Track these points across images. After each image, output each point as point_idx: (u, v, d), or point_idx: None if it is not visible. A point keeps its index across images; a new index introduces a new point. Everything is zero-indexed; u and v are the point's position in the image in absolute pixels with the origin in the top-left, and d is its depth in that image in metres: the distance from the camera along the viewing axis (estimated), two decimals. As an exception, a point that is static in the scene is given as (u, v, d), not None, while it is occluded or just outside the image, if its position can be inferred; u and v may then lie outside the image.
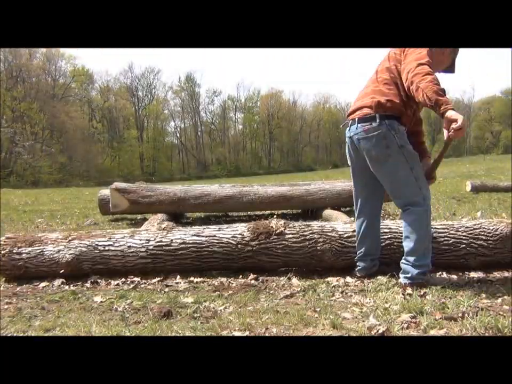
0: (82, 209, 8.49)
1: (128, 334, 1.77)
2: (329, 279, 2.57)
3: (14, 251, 2.70)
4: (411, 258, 2.27)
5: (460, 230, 2.66)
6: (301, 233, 2.70)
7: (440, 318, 1.82)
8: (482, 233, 2.61)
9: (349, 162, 2.52)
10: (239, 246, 2.69)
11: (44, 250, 2.74)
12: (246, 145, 57.46)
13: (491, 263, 2.63)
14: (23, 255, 2.70)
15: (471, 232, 2.63)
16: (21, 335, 1.80)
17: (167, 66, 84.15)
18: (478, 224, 2.68)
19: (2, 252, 2.68)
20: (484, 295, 2.14)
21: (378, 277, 2.54)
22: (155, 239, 2.76)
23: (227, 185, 5.82)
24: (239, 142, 56.97)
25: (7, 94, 35.30)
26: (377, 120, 2.19)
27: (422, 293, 2.17)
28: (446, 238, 2.63)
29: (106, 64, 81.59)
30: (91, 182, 33.19)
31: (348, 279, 2.56)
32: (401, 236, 2.39)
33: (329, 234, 2.69)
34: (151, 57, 74.68)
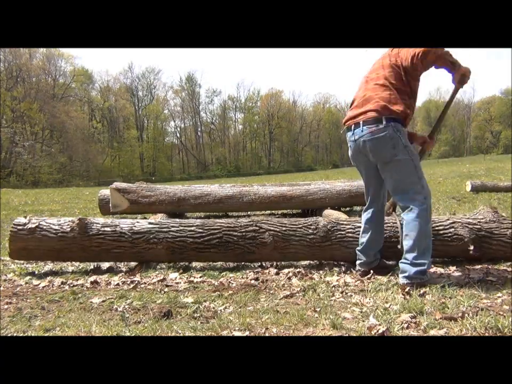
0: (82, 209, 8.48)
1: (128, 334, 1.77)
2: (329, 279, 2.57)
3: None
4: (410, 256, 2.29)
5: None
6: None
7: (440, 318, 1.82)
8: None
9: (354, 164, 2.60)
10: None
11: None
12: (246, 145, 57.48)
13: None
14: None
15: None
16: (21, 335, 1.80)
17: (167, 66, 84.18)
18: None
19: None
20: (483, 295, 2.14)
21: (378, 277, 2.54)
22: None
23: (227, 185, 5.82)
24: (239, 142, 56.99)
25: (7, 94, 35.29)
26: (384, 122, 2.26)
27: (422, 293, 2.17)
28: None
29: (106, 64, 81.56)
30: (91, 182, 33.21)
31: (348, 279, 2.56)
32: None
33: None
34: (151, 57, 74.70)
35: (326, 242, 2.82)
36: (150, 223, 2.96)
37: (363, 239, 2.63)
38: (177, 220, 3.12)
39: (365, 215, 2.63)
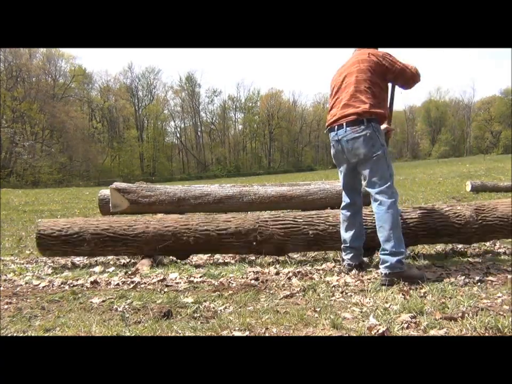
0: (82, 209, 8.49)
1: (128, 334, 1.77)
2: (329, 279, 2.57)
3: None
4: (388, 246, 2.43)
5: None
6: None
7: (440, 318, 1.82)
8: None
9: (335, 163, 2.80)
10: None
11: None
12: (246, 145, 57.46)
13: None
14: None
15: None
16: (21, 335, 1.80)
17: (167, 66, 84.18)
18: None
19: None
20: (483, 295, 2.14)
21: (378, 277, 2.54)
22: None
23: (227, 185, 5.82)
24: (239, 142, 56.96)
25: (7, 94, 35.28)
26: (365, 124, 2.49)
27: (422, 293, 2.17)
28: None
29: (106, 64, 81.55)
30: (91, 182, 33.20)
31: (348, 279, 2.56)
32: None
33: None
34: (151, 57, 74.71)
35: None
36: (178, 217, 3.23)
37: (347, 235, 2.77)
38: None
39: (345, 212, 2.78)
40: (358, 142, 2.50)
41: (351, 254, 2.75)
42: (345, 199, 2.79)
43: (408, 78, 2.59)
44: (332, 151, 2.73)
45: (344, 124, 2.54)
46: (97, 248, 3.09)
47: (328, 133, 2.71)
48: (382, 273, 2.43)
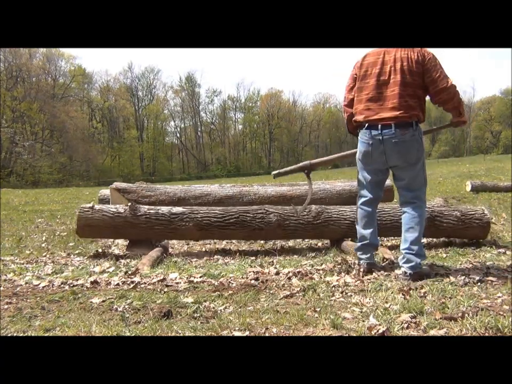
0: (82, 209, 8.47)
1: (128, 334, 1.77)
2: (329, 279, 2.57)
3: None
4: (415, 247, 2.49)
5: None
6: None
7: (440, 318, 1.82)
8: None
9: (365, 160, 2.66)
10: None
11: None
12: (246, 145, 57.41)
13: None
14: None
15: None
16: (21, 335, 1.80)
17: (166, 66, 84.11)
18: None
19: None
20: (483, 295, 2.14)
21: (378, 277, 2.54)
22: None
23: (227, 185, 5.82)
24: (239, 142, 56.90)
25: (7, 94, 35.26)
26: (414, 127, 2.50)
27: (422, 293, 2.17)
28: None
29: (106, 64, 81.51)
30: (91, 182, 33.18)
31: (348, 279, 2.56)
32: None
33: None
34: (150, 57, 74.66)
35: (317, 221, 3.57)
36: (183, 208, 3.73)
37: (367, 231, 2.71)
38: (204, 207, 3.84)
39: (367, 208, 2.73)
40: (406, 145, 2.49)
41: (370, 253, 2.70)
42: (369, 195, 2.73)
43: (444, 92, 2.47)
44: (366, 148, 2.59)
45: (393, 124, 2.48)
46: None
47: (365, 129, 2.58)
48: (404, 272, 2.46)
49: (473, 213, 3.54)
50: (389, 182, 6.27)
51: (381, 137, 2.51)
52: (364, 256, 2.70)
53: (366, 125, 2.56)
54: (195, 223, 3.52)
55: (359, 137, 2.65)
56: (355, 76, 2.64)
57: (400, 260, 2.54)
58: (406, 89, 2.48)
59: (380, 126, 2.51)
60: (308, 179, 3.03)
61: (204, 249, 3.89)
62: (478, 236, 3.54)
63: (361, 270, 2.66)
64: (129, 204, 3.65)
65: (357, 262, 2.77)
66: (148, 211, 3.62)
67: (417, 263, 2.46)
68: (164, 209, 3.68)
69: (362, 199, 2.76)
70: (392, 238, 4.04)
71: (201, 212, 3.62)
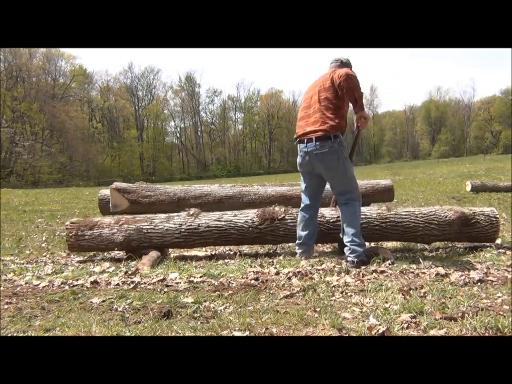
0: (82, 209, 8.49)
1: (128, 334, 1.77)
2: (329, 279, 2.57)
3: (79, 233, 3.46)
4: (356, 239, 2.91)
5: (418, 215, 3.37)
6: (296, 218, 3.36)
7: (440, 318, 1.82)
8: (436, 218, 3.34)
9: (300, 169, 3.17)
10: (250, 229, 3.42)
11: (102, 233, 3.46)
12: (246, 145, 57.40)
13: (440, 240, 3.44)
14: (86, 237, 3.46)
15: (427, 218, 3.34)
16: (21, 335, 1.80)
17: (166, 66, 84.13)
18: (433, 211, 3.40)
19: (70, 235, 3.46)
20: (483, 295, 2.14)
21: (378, 277, 2.54)
22: (185, 223, 3.46)
23: (227, 185, 5.82)
24: (239, 142, 56.89)
25: (7, 94, 35.24)
26: (332, 139, 2.89)
27: (422, 293, 2.17)
28: (407, 222, 3.34)
29: (106, 64, 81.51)
30: (91, 182, 33.17)
31: (348, 279, 2.56)
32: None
33: (318, 219, 3.33)
34: (150, 57, 74.64)
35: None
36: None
37: (303, 233, 3.16)
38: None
39: (304, 213, 3.18)
40: (326, 156, 2.90)
41: (303, 250, 3.17)
42: (306, 202, 3.20)
43: (348, 87, 2.81)
44: (299, 159, 3.10)
45: (314, 138, 2.91)
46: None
47: (297, 144, 3.08)
48: (350, 261, 2.87)
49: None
50: (389, 181, 6.28)
51: (306, 150, 2.98)
52: (299, 251, 3.18)
53: (298, 140, 3.07)
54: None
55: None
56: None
57: (346, 251, 2.94)
58: (323, 105, 2.91)
59: (305, 140, 2.98)
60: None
61: (203, 249, 3.89)
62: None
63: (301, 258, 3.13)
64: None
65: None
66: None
67: (361, 252, 2.88)
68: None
69: (302, 205, 3.22)
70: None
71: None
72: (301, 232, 3.18)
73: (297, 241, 3.22)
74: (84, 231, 3.46)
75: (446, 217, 3.35)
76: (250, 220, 3.44)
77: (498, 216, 3.44)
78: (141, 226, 3.46)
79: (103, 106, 47.76)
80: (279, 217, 3.46)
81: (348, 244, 2.94)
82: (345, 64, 3.09)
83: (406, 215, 3.40)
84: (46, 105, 37.98)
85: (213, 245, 3.54)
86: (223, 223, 3.45)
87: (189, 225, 3.44)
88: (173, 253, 3.75)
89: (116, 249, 3.48)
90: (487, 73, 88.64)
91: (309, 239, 3.17)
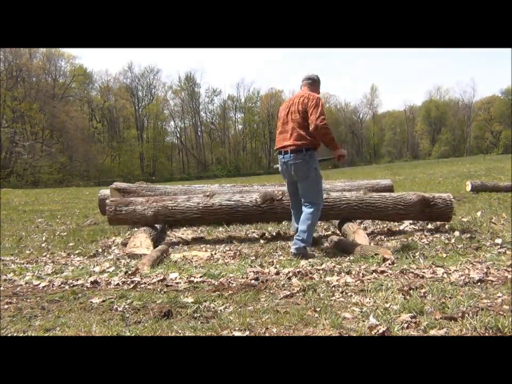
0: (82, 209, 8.49)
1: (128, 334, 1.77)
2: (329, 279, 2.57)
3: (117, 209, 4.23)
4: (303, 235, 3.33)
5: (388, 198, 4.25)
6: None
7: (440, 318, 1.82)
8: (402, 201, 4.19)
9: (282, 175, 3.62)
10: (254, 207, 4.25)
11: (135, 209, 4.24)
12: (246, 145, 57.39)
13: (407, 218, 4.41)
14: (123, 212, 4.23)
15: (396, 200, 4.22)
16: (21, 335, 1.80)
17: (166, 66, 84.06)
18: (400, 195, 4.29)
19: (110, 210, 4.21)
20: (483, 295, 2.14)
21: (378, 277, 2.55)
22: (202, 202, 4.29)
23: (227, 185, 5.83)
24: (239, 142, 56.88)
25: (7, 94, 35.23)
26: (304, 152, 3.38)
27: (422, 293, 2.17)
28: (380, 203, 4.22)
29: (106, 64, 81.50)
30: (91, 182, 33.15)
31: (348, 279, 2.56)
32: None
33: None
34: (150, 57, 74.59)
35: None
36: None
37: (293, 229, 3.64)
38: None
39: (293, 211, 3.69)
40: (298, 166, 3.40)
41: (295, 246, 3.42)
42: (291, 201, 3.71)
43: (312, 124, 3.29)
44: (279, 167, 3.58)
45: (289, 151, 3.41)
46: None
47: (278, 155, 3.55)
48: (292, 252, 3.34)
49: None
50: (389, 181, 6.27)
51: (284, 160, 3.48)
52: (294, 245, 3.46)
53: (277, 151, 3.55)
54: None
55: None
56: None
57: (292, 244, 3.41)
58: (297, 125, 3.38)
59: (283, 152, 3.47)
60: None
61: (203, 249, 3.89)
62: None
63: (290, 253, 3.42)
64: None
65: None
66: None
67: (301, 246, 3.32)
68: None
69: (291, 204, 3.73)
70: (393, 238, 4.05)
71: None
72: (295, 225, 3.60)
73: (294, 232, 3.58)
74: (121, 207, 4.21)
75: (410, 199, 4.16)
76: (254, 200, 4.25)
77: (453, 199, 4.33)
78: (167, 204, 4.25)
79: (103, 106, 47.73)
80: (278, 198, 4.24)
81: (295, 237, 3.40)
82: (315, 81, 3.60)
83: (378, 198, 4.28)
84: (46, 105, 37.97)
85: (224, 220, 4.42)
86: (232, 202, 4.27)
87: (205, 204, 4.24)
88: (173, 253, 3.75)
89: (146, 223, 4.23)
90: (487, 73, 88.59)
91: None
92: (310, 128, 3.33)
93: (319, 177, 3.51)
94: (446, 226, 4.38)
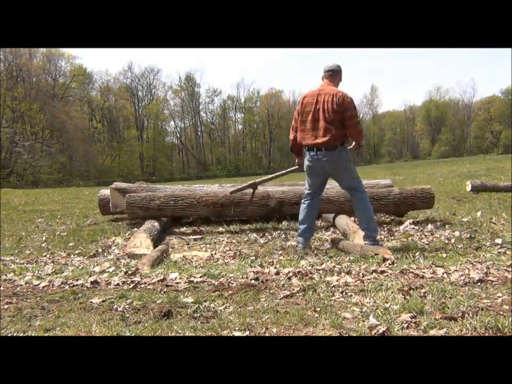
0: (82, 209, 8.48)
1: (128, 334, 1.77)
2: (329, 279, 2.57)
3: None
4: (370, 224, 3.53)
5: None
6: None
7: (440, 318, 1.82)
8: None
9: (308, 171, 3.67)
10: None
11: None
12: (246, 145, 57.37)
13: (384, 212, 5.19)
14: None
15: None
16: (21, 335, 1.80)
17: (167, 66, 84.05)
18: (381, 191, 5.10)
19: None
20: (483, 295, 2.14)
21: (378, 277, 2.55)
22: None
23: (227, 185, 5.83)
24: (239, 142, 56.86)
25: (7, 94, 35.22)
26: (338, 149, 3.48)
27: (422, 293, 2.17)
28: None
29: (106, 64, 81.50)
30: (91, 182, 33.14)
31: (348, 279, 2.56)
32: None
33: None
34: (150, 57, 74.56)
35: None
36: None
37: (303, 225, 3.68)
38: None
39: (307, 204, 3.71)
40: (334, 161, 3.50)
41: (300, 240, 3.68)
42: (307, 196, 3.74)
43: (352, 127, 3.47)
44: (308, 163, 3.59)
45: (323, 148, 3.47)
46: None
47: (307, 151, 3.57)
48: (369, 243, 3.45)
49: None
50: (389, 181, 6.26)
51: (316, 157, 3.51)
52: (301, 239, 3.69)
53: (307, 147, 3.56)
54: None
55: (305, 155, 3.62)
56: (297, 113, 3.63)
57: (364, 237, 3.57)
58: (330, 123, 3.43)
59: (315, 148, 3.50)
60: (253, 194, 4.34)
61: (204, 249, 3.89)
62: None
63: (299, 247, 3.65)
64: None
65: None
66: None
67: (373, 235, 3.51)
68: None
69: (303, 198, 3.77)
70: (393, 238, 4.05)
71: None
72: (302, 223, 3.68)
73: (299, 232, 3.70)
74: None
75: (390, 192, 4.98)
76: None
77: (433, 191, 5.04)
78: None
79: (103, 106, 47.72)
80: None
81: (364, 230, 3.56)
82: (336, 72, 3.60)
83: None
84: (46, 105, 37.95)
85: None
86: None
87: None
88: (173, 253, 3.75)
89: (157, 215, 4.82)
90: (487, 73, 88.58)
91: (310, 230, 3.72)
92: (348, 131, 3.49)
93: (354, 167, 3.69)
94: (446, 226, 4.38)
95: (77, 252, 3.95)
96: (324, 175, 3.68)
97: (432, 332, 1.68)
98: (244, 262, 3.18)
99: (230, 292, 2.37)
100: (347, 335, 1.70)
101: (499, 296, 2.11)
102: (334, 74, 3.59)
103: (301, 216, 3.71)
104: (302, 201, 3.77)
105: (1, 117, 34.02)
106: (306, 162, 3.62)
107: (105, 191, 5.88)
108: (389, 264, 2.85)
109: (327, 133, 3.44)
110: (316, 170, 3.62)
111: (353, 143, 3.69)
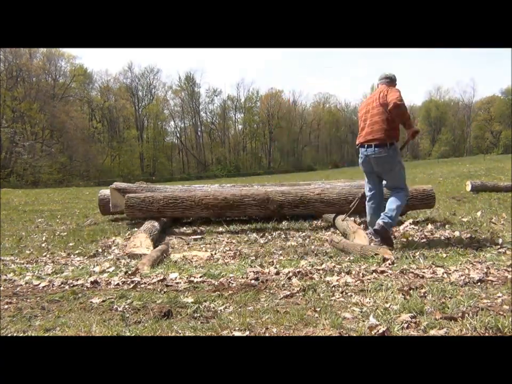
0: (82, 209, 8.48)
1: (128, 334, 1.77)
2: (329, 279, 2.57)
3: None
4: (391, 214, 3.51)
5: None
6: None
7: (440, 318, 1.82)
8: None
9: (362, 168, 3.81)
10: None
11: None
12: (246, 145, 57.35)
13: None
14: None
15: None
16: (21, 335, 1.80)
17: (167, 66, 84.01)
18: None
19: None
20: (483, 295, 2.14)
21: (378, 277, 2.55)
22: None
23: (227, 185, 5.83)
24: (239, 142, 56.85)
25: (7, 94, 35.21)
26: (388, 146, 3.54)
27: (422, 293, 2.17)
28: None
29: (106, 64, 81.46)
30: (91, 182, 33.14)
31: (348, 279, 2.56)
32: None
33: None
34: (150, 57, 74.54)
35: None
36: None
37: (372, 223, 3.70)
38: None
39: (369, 204, 3.80)
40: (383, 159, 3.57)
41: (373, 234, 3.64)
42: (368, 194, 3.82)
43: (397, 114, 3.46)
44: (360, 160, 3.75)
45: (373, 145, 3.58)
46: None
47: (359, 148, 3.73)
48: (378, 224, 3.46)
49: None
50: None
51: (366, 154, 3.65)
52: (376, 240, 3.62)
53: (359, 145, 3.73)
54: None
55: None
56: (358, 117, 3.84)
57: (379, 220, 3.49)
58: (380, 119, 3.53)
59: (366, 145, 3.64)
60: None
61: (204, 249, 3.89)
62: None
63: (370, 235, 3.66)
64: None
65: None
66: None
67: (388, 222, 3.46)
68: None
69: (367, 198, 3.85)
70: (393, 238, 4.04)
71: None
72: (371, 221, 3.74)
73: (370, 230, 3.72)
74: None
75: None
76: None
77: (433, 191, 5.14)
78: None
79: (103, 106, 47.70)
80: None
81: (382, 214, 3.55)
82: (393, 80, 3.70)
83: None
84: (46, 105, 37.94)
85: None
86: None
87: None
88: (173, 253, 3.75)
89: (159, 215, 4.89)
90: (487, 73, 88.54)
91: (376, 220, 3.68)
92: (389, 107, 3.42)
93: (403, 168, 3.71)
94: (446, 226, 4.38)
95: (77, 252, 3.95)
96: (374, 172, 3.73)
97: (432, 332, 1.68)
98: (244, 262, 3.18)
99: (230, 292, 2.37)
100: (347, 335, 1.70)
101: (499, 296, 2.11)
102: (390, 82, 3.68)
103: (368, 218, 3.82)
104: (366, 202, 3.85)
105: (1, 117, 34.01)
106: (359, 160, 3.77)
107: (105, 191, 5.88)
108: (389, 264, 2.85)
109: (375, 129, 3.54)
110: (366, 167, 3.73)
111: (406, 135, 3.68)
